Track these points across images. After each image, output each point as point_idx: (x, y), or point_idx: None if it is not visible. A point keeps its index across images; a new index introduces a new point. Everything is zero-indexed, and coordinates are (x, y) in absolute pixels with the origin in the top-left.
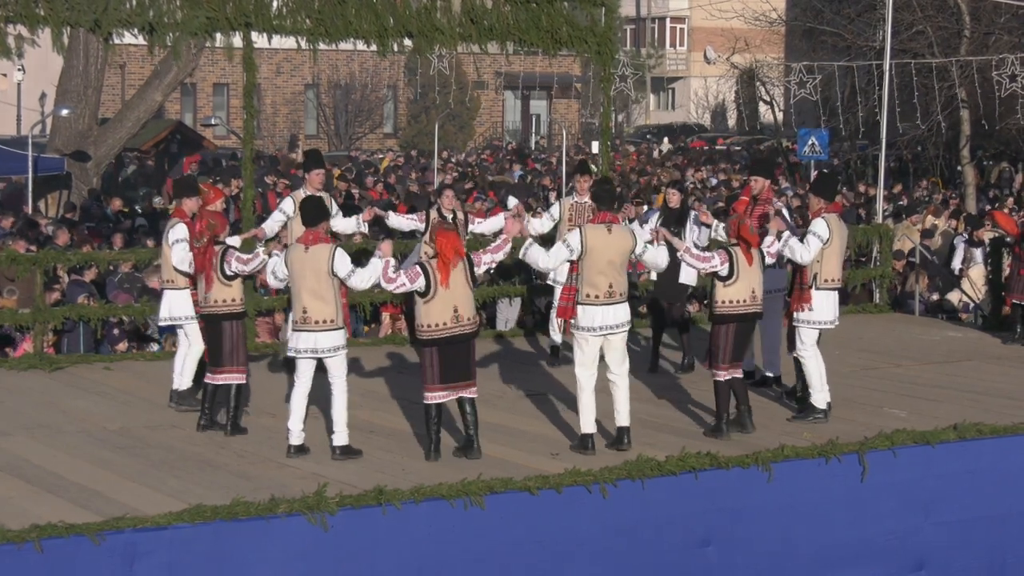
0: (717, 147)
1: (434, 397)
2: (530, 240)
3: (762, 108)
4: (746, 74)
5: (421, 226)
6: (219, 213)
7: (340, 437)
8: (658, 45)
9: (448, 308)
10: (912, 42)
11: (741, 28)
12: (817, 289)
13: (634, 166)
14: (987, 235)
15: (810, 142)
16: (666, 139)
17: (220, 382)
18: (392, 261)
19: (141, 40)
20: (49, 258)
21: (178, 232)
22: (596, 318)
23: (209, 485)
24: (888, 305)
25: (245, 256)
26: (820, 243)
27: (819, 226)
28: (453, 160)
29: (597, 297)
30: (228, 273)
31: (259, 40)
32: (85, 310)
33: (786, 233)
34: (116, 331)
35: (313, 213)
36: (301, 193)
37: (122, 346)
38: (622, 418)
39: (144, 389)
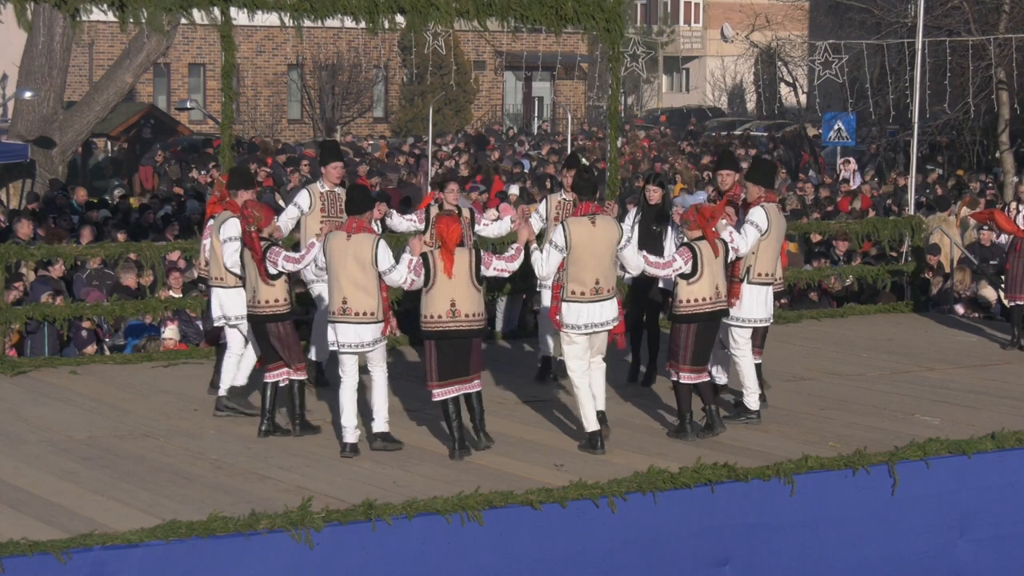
0: (734, 133)
1: (441, 393)
2: (534, 245)
3: (784, 90)
4: (766, 53)
5: (421, 225)
6: (265, 205)
7: (381, 425)
8: (671, 22)
9: (445, 301)
10: (947, 19)
11: (761, 3)
12: (749, 283)
13: (645, 153)
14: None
15: (836, 127)
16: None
17: (275, 379)
18: (415, 259)
19: (111, 16)
20: (10, 252)
21: (231, 228)
22: (582, 315)
23: (184, 499)
24: (920, 303)
25: (296, 255)
26: (757, 233)
27: (758, 215)
28: (448, 148)
29: (583, 294)
30: (272, 272)
31: (238, 16)
32: (50, 309)
33: (728, 227)
34: (84, 332)
35: (359, 201)
36: (317, 187)
37: (90, 349)
38: (598, 402)
39: (113, 395)
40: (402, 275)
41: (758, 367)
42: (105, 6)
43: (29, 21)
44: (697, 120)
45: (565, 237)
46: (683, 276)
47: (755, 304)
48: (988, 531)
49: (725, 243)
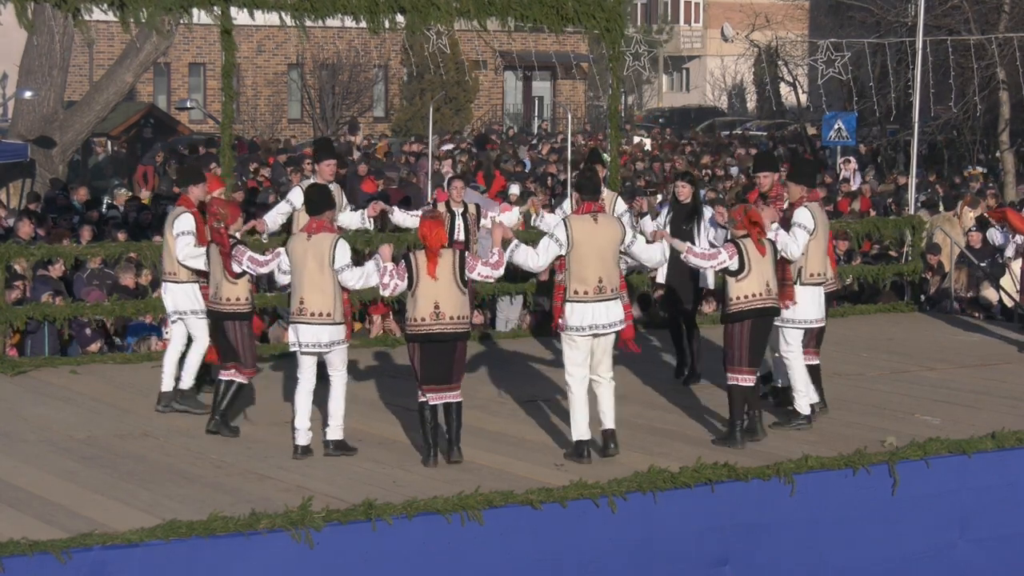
0: (733, 132)
1: (423, 396)
2: (516, 241)
3: (784, 90)
4: (767, 53)
5: None
6: (232, 203)
7: (335, 432)
8: (671, 21)
9: (428, 303)
10: (947, 18)
11: (761, 3)
12: (802, 285)
13: (646, 152)
14: (969, 219)
15: (836, 126)
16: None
17: (228, 377)
18: (391, 266)
19: (111, 16)
20: (11, 252)
21: (184, 223)
22: (586, 316)
23: (184, 499)
24: (919, 303)
25: (261, 258)
26: (807, 235)
27: (803, 216)
28: (447, 146)
29: (587, 293)
30: (237, 270)
31: (239, 16)
32: (50, 309)
33: (775, 224)
34: (88, 331)
35: (318, 201)
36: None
37: (94, 347)
38: (608, 420)
39: (113, 395)
40: (355, 277)
41: (816, 368)
42: (105, 6)
43: (30, 20)
44: (694, 119)
45: (567, 234)
46: (729, 272)
47: (809, 305)
48: (988, 531)
49: (772, 242)
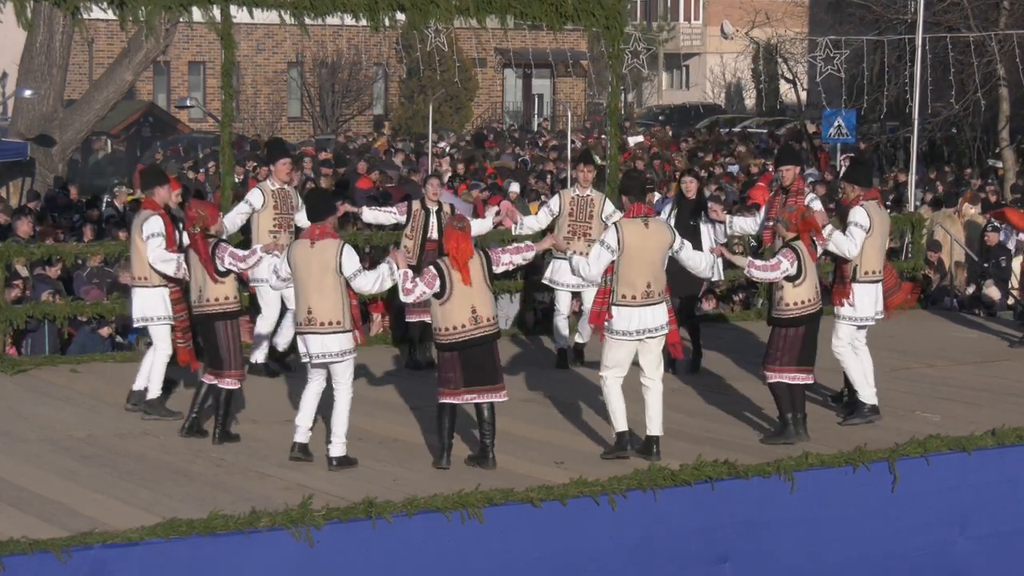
0: (733, 130)
1: (451, 399)
2: (570, 253)
3: (783, 87)
4: (766, 50)
5: (402, 219)
6: (211, 204)
7: (338, 448)
8: (671, 18)
9: (466, 309)
10: (947, 14)
11: (761, 0)
12: (856, 282)
13: (648, 150)
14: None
15: (836, 124)
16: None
17: (211, 383)
18: (409, 272)
19: (110, 14)
20: (10, 251)
21: (153, 225)
22: (633, 321)
23: (184, 497)
24: (920, 301)
25: (240, 252)
26: (864, 233)
27: (859, 215)
28: (443, 143)
29: (634, 298)
30: (220, 269)
31: (238, 14)
32: (50, 308)
33: (828, 227)
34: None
35: (320, 207)
36: (268, 185)
37: (105, 331)
38: (654, 427)
39: (113, 394)
40: (369, 281)
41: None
42: (105, 4)
43: (28, 19)
44: (694, 117)
45: (618, 239)
46: (788, 278)
47: (866, 302)
48: (988, 528)
49: (814, 243)
